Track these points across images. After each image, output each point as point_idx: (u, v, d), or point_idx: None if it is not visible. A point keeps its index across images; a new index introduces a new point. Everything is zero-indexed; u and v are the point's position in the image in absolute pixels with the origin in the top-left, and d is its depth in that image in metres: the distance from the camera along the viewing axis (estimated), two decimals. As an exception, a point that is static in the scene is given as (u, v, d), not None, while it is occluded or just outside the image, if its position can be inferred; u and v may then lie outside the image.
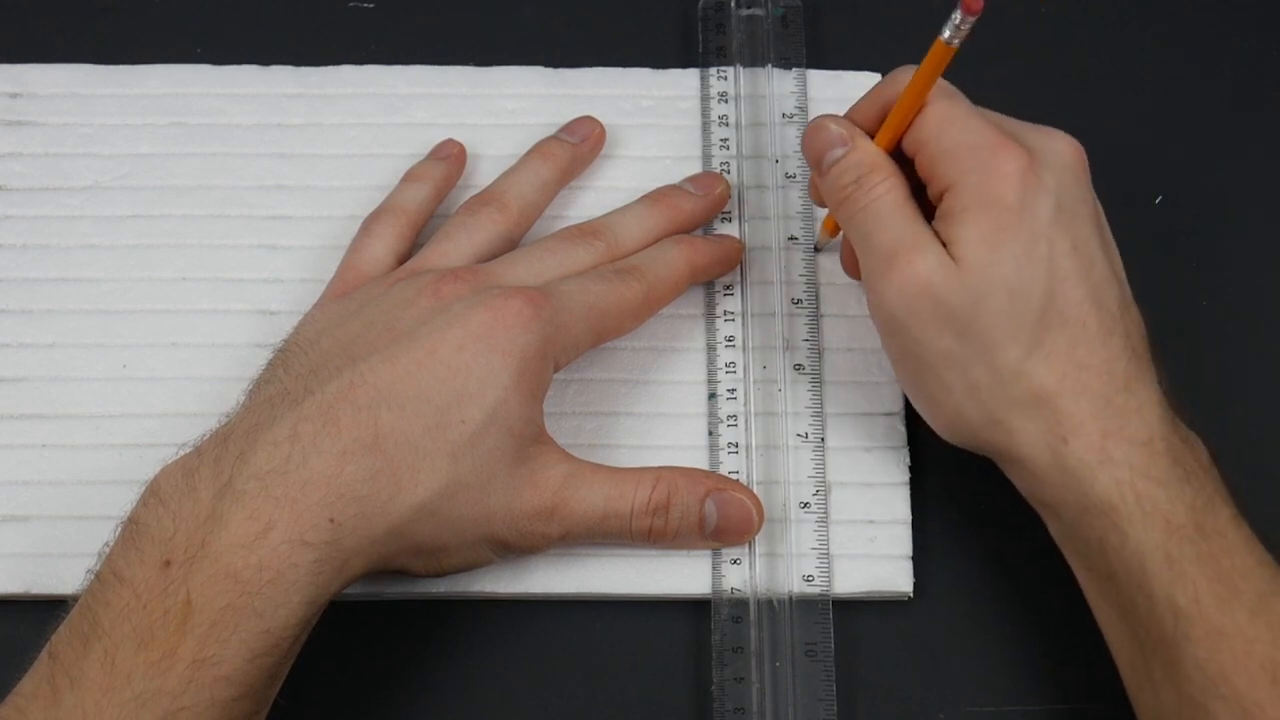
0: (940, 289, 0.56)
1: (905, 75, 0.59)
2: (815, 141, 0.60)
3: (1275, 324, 0.69)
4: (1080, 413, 0.56)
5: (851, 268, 0.63)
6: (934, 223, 0.58)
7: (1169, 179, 0.71)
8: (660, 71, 0.72)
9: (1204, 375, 0.67)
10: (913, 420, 0.65)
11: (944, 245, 0.57)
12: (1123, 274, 0.59)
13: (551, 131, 0.69)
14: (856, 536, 0.64)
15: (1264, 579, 0.54)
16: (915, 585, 0.63)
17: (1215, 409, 0.67)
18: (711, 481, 0.62)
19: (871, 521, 0.64)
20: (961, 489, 0.65)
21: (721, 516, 0.61)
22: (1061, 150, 0.58)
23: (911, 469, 0.65)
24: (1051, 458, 0.56)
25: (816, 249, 0.68)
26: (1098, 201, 0.59)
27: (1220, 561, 0.54)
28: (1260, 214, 0.71)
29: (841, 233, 0.63)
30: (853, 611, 0.63)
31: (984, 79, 0.72)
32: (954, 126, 0.57)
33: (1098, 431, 0.56)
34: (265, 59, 0.71)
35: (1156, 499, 0.55)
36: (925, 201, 0.59)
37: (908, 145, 0.59)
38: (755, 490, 0.64)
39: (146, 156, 0.69)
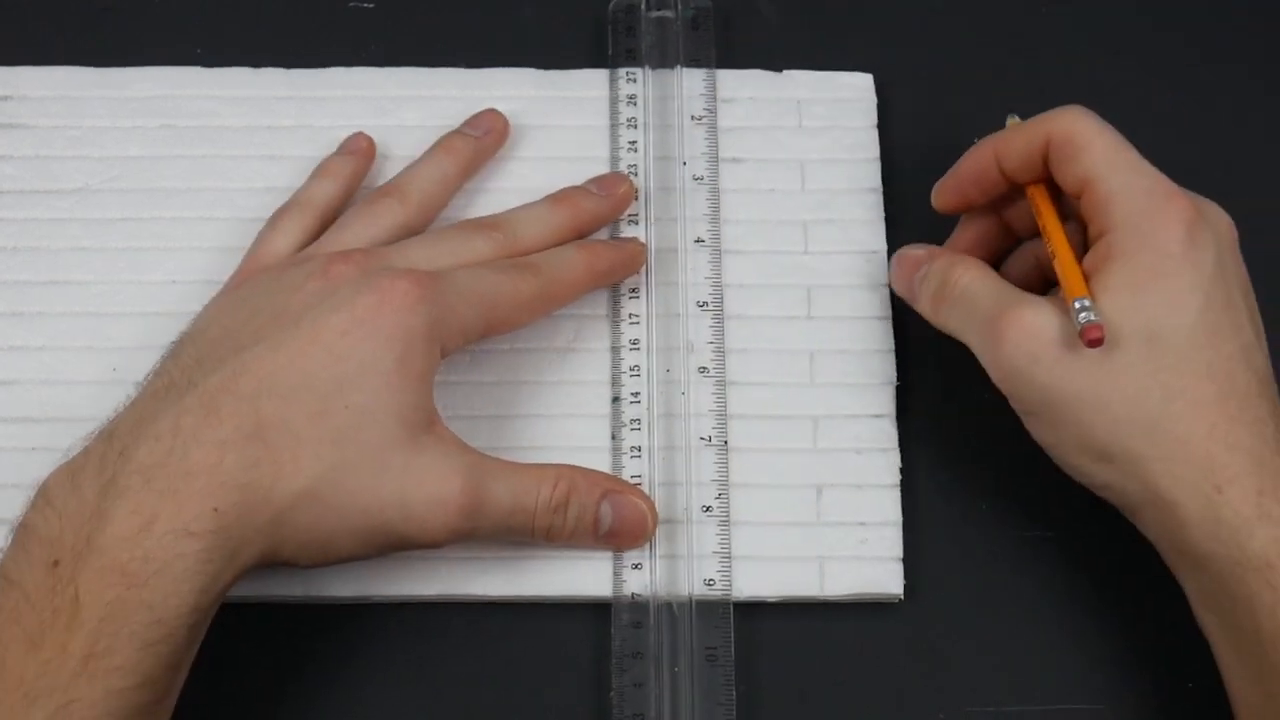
0: (1060, 332, 0.57)
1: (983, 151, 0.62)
2: (901, 269, 0.64)
3: (1275, 324, 0.69)
4: (1234, 464, 0.55)
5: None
6: (1084, 260, 0.58)
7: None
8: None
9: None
10: (903, 423, 0.66)
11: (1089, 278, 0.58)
12: (1267, 350, 0.59)
13: (548, 133, 0.70)
14: (847, 539, 0.63)
15: None
16: (913, 587, 0.63)
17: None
18: (609, 483, 0.62)
19: (862, 524, 0.64)
20: (953, 491, 0.65)
21: (616, 519, 0.61)
22: (1220, 216, 0.59)
23: (902, 471, 0.65)
24: (1204, 505, 0.55)
25: None
26: (1248, 281, 0.60)
27: None
28: (1260, 214, 0.71)
29: None
30: (850, 612, 0.63)
31: (984, 85, 0.73)
32: (1123, 166, 0.58)
33: (1253, 487, 0.55)
34: (265, 59, 0.72)
35: None
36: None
37: (1069, 183, 0.60)
38: (656, 493, 0.64)
39: (136, 159, 0.69)
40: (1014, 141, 0.61)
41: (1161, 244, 0.57)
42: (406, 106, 0.71)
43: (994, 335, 0.58)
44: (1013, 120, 0.63)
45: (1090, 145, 0.59)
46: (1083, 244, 0.60)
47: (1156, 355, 0.56)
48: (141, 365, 0.64)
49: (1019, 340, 0.57)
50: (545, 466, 0.61)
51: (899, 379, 0.66)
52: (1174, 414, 0.56)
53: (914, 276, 0.63)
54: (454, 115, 0.70)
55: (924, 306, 0.63)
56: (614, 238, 0.68)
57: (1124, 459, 0.57)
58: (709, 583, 0.62)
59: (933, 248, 0.63)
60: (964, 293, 0.60)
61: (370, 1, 0.74)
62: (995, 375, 0.59)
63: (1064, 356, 0.57)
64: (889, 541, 0.63)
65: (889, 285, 0.67)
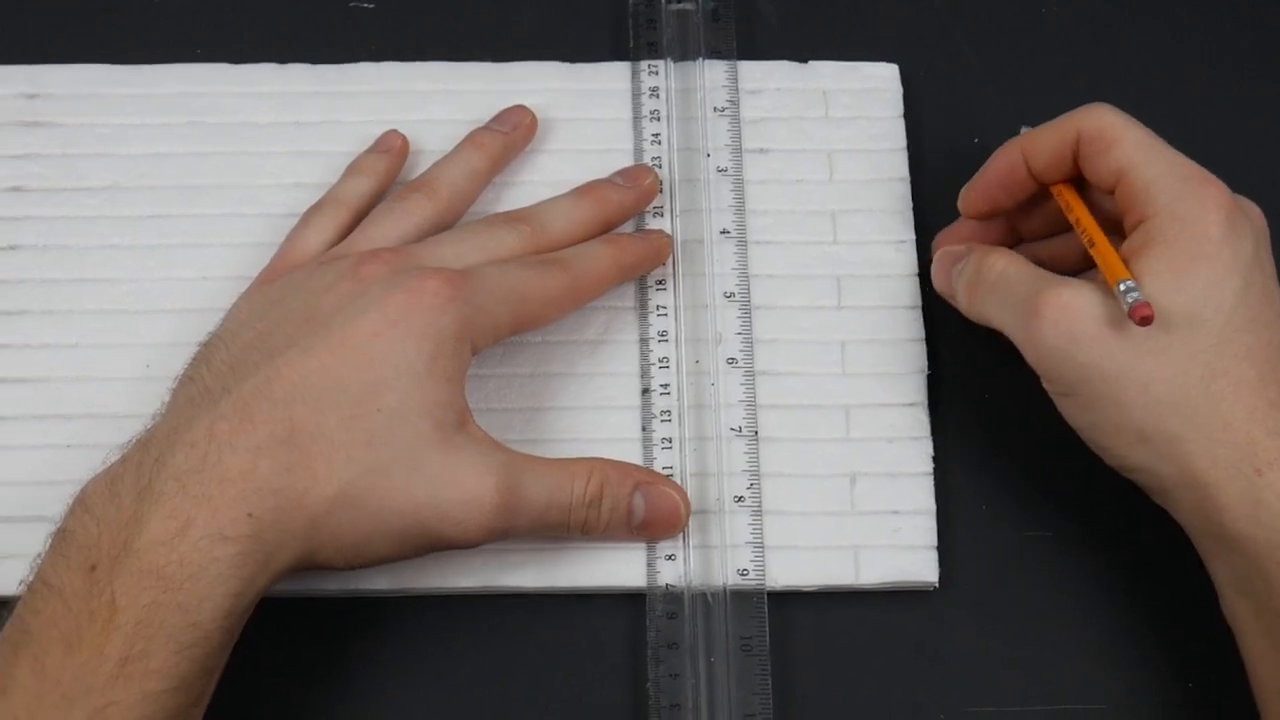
0: (1101, 311, 0.57)
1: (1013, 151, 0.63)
2: (941, 267, 0.64)
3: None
4: (1276, 448, 0.55)
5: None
6: (1122, 249, 0.58)
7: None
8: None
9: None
10: (935, 411, 0.66)
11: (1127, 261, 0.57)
12: None
13: (572, 125, 0.70)
14: (881, 527, 0.63)
15: None
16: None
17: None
18: (641, 474, 0.62)
19: (896, 512, 0.64)
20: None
21: (649, 510, 0.61)
22: (1254, 208, 0.59)
23: (934, 459, 0.65)
24: (1245, 488, 0.55)
25: None
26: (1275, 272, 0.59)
27: None
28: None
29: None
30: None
31: (985, 82, 0.73)
32: (1158, 155, 0.59)
33: None
34: (263, 58, 0.72)
35: None
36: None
37: (1103, 176, 0.60)
38: (688, 484, 0.64)
39: (165, 156, 0.69)
40: (1043, 141, 0.62)
41: (1202, 229, 0.57)
42: (433, 101, 0.71)
43: (1033, 315, 0.58)
44: (1026, 131, 0.63)
45: (1123, 138, 0.59)
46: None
47: (1198, 337, 0.56)
48: (175, 361, 0.64)
49: (1058, 319, 0.57)
50: (577, 461, 0.61)
51: (930, 367, 0.66)
52: (1215, 395, 0.56)
53: (952, 272, 0.63)
54: (481, 109, 0.70)
55: (960, 299, 0.63)
56: (639, 230, 0.69)
57: (1161, 440, 0.56)
58: (743, 572, 0.63)
59: (971, 243, 0.63)
60: (1000, 277, 0.60)
61: (370, 1, 0.74)
62: (1032, 355, 0.59)
63: (1104, 335, 0.56)
64: (923, 530, 0.64)
65: (918, 275, 0.67)
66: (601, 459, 0.61)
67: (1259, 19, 0.75)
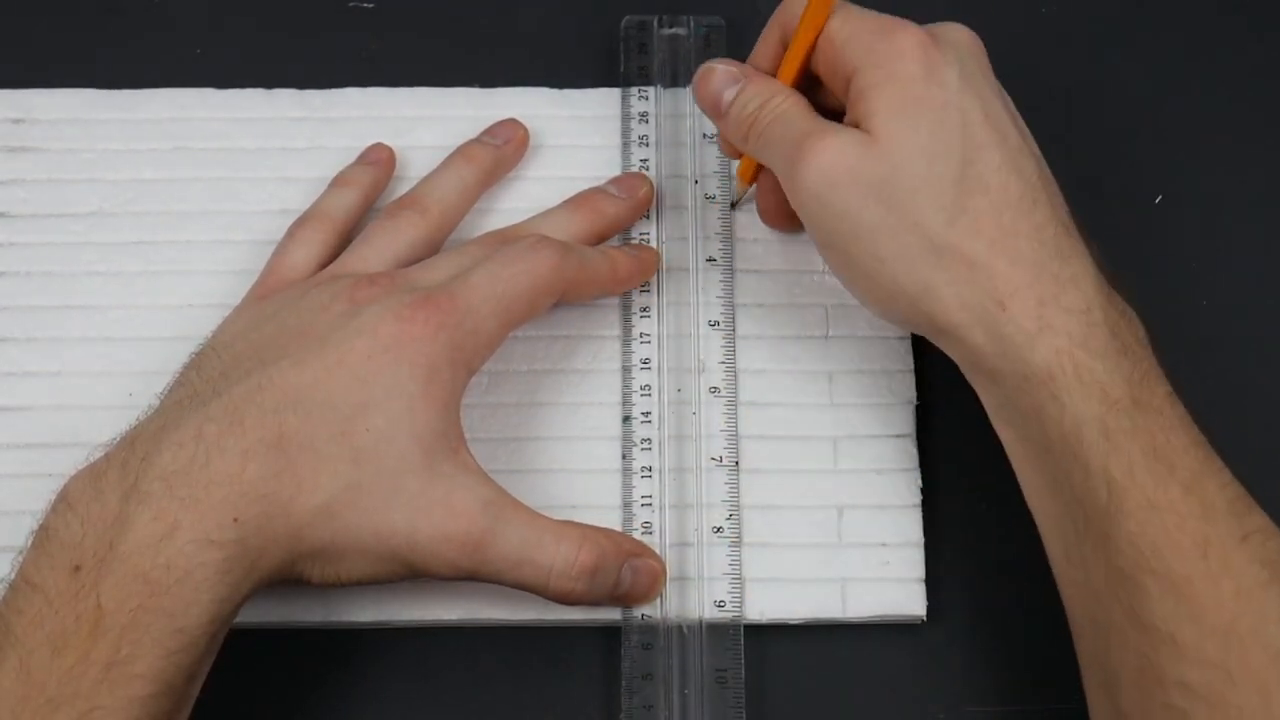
0: (856, 159, 0.57)
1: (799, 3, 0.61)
2: (708, 87, 0.63)
3: (1275, 324, 0.69)
4: (1016, 278, 0.56)
5: (771, 216, 0.66)
6: (846, 116, 0.59)
7: (1169, 179, 0.71)
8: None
9: (1204, 376, 0.67)
10: (924, 443, 0.65)
11: (857, 126, 0.58)
12: (1039, 155, 0.59)
13: (560, 152, 0.70)
14: (870, 560, 0.63)
15: (1198, 458, 0.54)
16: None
17: (1215, 409, 0.67)
18: (630, 546, 0.61)
19: (884, 545, 0.63)
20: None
21: (633, 583, 0.61)
22: (958, 34, 0.60)
23: (923, 491, 0.64)
24: (990, 325, 0.56)
25: (733, 206, 0.68)
26: (1004, 91, 0.60)
27: (1156, 437, 0.54)
28: (1260, 214, 0.71)
29: (754, 186, 0.66)
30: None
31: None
32: (849, 18, 0.60)
33: (1034, 298, 0.56)
34: (264, 58, 0.72)
35: (1095, 370, 0.55)
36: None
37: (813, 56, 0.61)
38: (666, 514, 0.63)
39: (150, 182, 0.69)
40: (765, 49, 0.63)
41: (902, 70, 0.57)
42: (420, 127, 0.70)
43: (797, 159, 0.58)
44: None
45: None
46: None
47: (935, 177, 0.57)
48: (158, 390, 0.63)
49: (819, 165, 0.57)
50: (566, 526, 0.60)
51: (919, 398, 0.66)
52: (957, 236, 0.56)
53: (722, 96, 0.62)
54: (468, 135, 0.69)
55: (732, 126, 0.62)
56: (626, 243, 0.68)
57: (916, 291, 0.57)
58: (719, 604, 0.62)
59: (744, 68, 0.63)
60: (778, 119, 0.60)
61: (370, 1, 0.74)
62: (795, 200, 0.59)
63: (858, 184, 0.57)
64: (911, 562, 0.63)
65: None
66: (593, 529, 0.60)
67: (1261, 19, 0.75)
